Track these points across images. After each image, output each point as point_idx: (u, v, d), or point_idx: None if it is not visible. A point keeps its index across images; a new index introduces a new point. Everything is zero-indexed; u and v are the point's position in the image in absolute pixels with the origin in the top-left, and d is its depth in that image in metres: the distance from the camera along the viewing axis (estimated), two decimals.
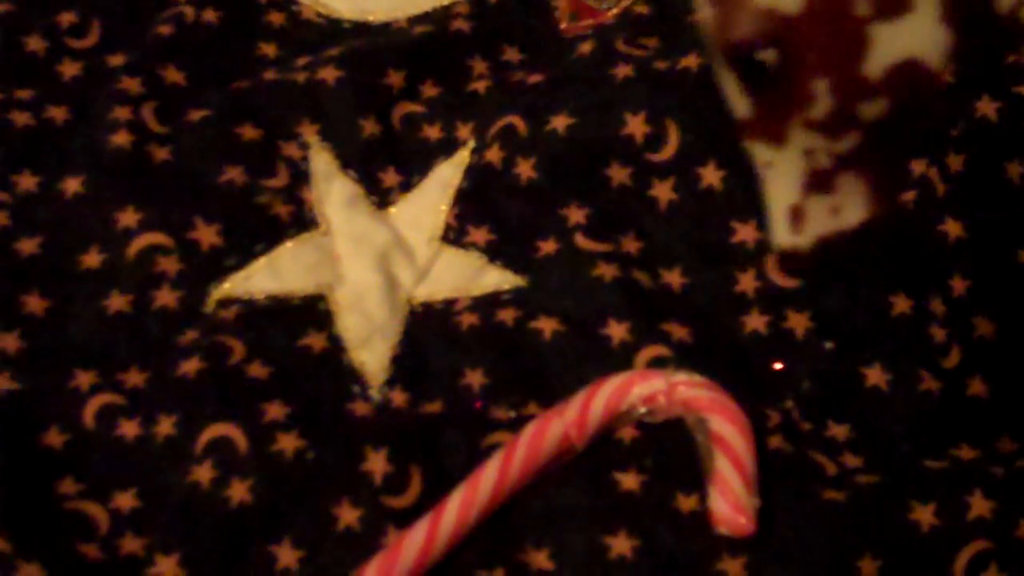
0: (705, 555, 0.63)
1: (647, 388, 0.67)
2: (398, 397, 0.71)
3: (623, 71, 0.78)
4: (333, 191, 0.78)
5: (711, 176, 0.76)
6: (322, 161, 0.79)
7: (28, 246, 0.74)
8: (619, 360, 0.70)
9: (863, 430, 0.69)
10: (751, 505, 0.66)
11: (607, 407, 0.67)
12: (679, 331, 0.72)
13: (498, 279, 0.76)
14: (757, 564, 0.63)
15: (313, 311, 0.74)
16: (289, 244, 0.76)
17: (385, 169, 0.79)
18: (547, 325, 0.72)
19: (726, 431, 0.67)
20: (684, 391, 0.67)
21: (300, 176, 0.77)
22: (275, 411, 0.68)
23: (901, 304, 0.72)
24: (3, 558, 0.62)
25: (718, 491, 0.65)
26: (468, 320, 0.73)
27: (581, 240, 0.75)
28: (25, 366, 0.70)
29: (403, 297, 0.75)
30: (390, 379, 0.72)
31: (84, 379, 0.70)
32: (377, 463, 0.67)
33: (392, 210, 0.79)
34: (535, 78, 0.80)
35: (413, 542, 0.63)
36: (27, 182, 0.76)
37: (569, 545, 0.64)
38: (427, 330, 0.74)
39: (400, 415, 0.70)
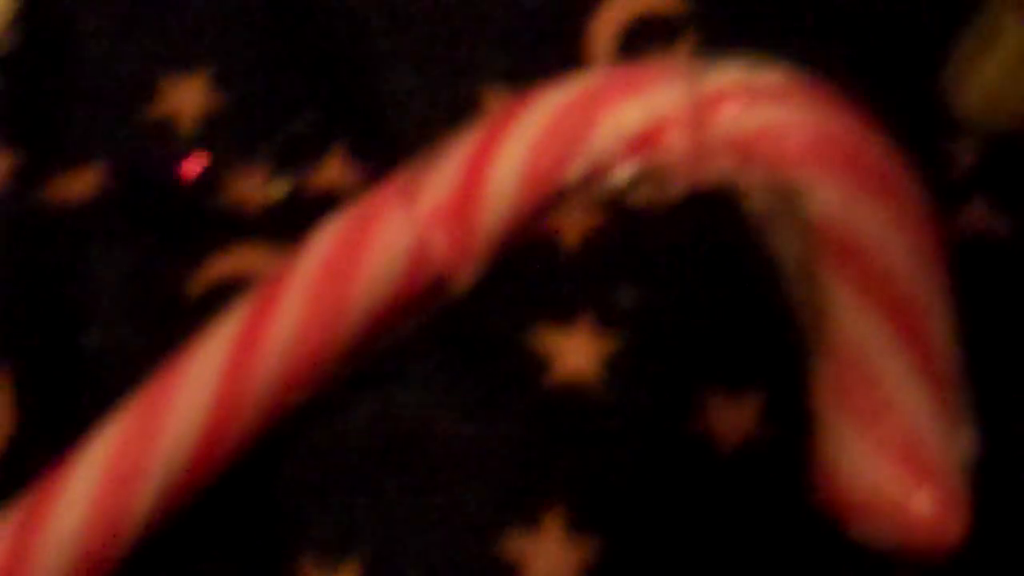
0: None
1: (639, 113, 0.28)
2: None
3: None
4: None
5: None
6: None
7: None
8: (549, 29, 0.32)
9: None
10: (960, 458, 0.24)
11: (531, 172, 0.28)
12: None
13: None
14: None
15: None
16: None
17: None
18: None
19: (863, 224, 0.25)
20: (740, 117, 0.27)
21: None
22: None
23: None
24: None
25: (863, 433, 0.24)
26: None
27: None
28: None
29: None
30: None
31: None
32: None
33: None
34: None
35: None
36: None
37: None
38: None
39: None
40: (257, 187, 0.31)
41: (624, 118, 0.28)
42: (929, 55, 0.30)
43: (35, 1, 0.36)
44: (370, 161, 0.31)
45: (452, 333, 0.29)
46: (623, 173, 0.29)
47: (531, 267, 0.29)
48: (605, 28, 0.30)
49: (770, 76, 0.28)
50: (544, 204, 0.29)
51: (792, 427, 0.26)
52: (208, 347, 0.28)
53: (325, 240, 0.29)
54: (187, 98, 0.32)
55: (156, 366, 0.28)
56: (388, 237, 0.29)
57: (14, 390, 0.30)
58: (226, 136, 0.32)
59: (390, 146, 0.31)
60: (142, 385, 0.27)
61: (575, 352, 0.28)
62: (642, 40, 0.31)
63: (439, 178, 0.29)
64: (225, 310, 0.29)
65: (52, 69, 0.34)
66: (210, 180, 0.31)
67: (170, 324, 0.29)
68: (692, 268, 0.29)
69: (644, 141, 0.28)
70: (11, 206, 0.32)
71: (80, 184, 0.32)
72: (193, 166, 0.31)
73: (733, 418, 0.27)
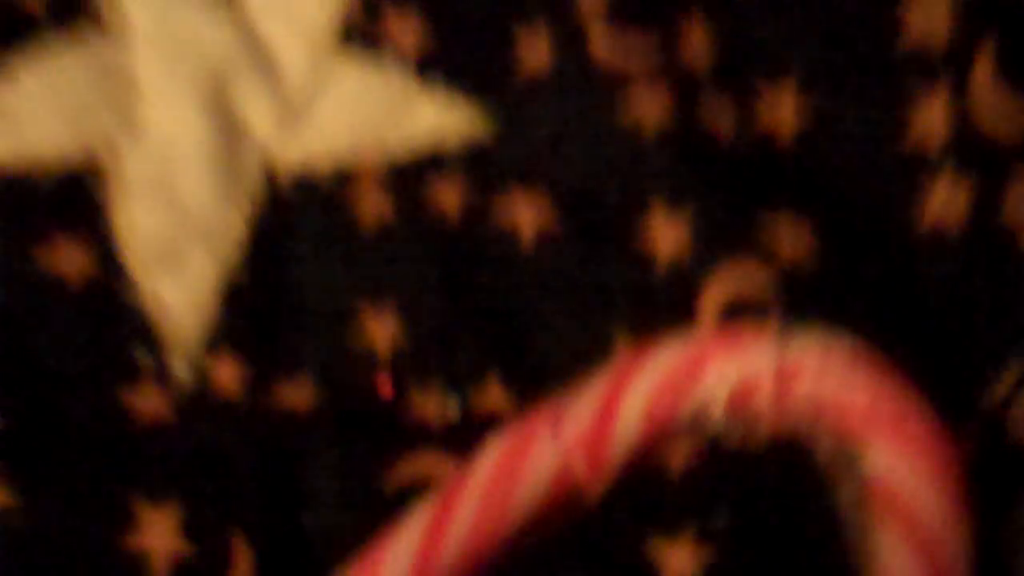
0: None
1: (736, 372, 0.36)
2: (226, 373, 0.41)
3: None
4: None
5: None
6: None
7: None
8: (665, 301, 0.40)
9: None
10: None
11: (651, 413, 0.36)
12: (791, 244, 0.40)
13: (439, 117, 0.43)
14: None
15: (70, 198, 0.43)
16: (48, 59, 0.44)
17: None
18: (527, 216, 0.41)
19: (905, 481, 0.33)
20: (815, 383, 0.35)
21: None
22: None
23: None
24: None
25: None
26: (376, 203, 0.42)
27: (600, 43, 0.42)
28: None
29: (254, 160, 0.43)
30: (216, 336, 0.42)
31: None
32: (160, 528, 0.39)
33: None
34: None
35: None
36: None
37: None
38: (298, 228, 0.43)
39: (226, 414, 0.41)
40: (435, 406, 0.40)
41: (724, 374, 0.37)
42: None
43: (259, 246, 0.44)
44: (522, 390, 0.40)
45: (581, 539, 0.37)
46: (721, 418, 0.37)
47: (645, 488, 0.38)
48: (711, 301, 0.39)
49: (839, 348, 0.36)
50: (660, 439, 0.37)
51: None
52: (402, 536, 0.37)
53: (491, 457, 0.37)
54: (380, 326, 0.41)
55: (361, 547, 0.36)
56: (540, 459, 0.37)
57: (252, 558, 0.39)
58: (410, 361, 0.41)
59: (538, 379, 0.40)
60: (348, 563, 0.36)
61: (678, 559, 0.36)
62: (740, 313, 0.40)
63: (579, 412, 0.37)
64: (413, 506, 0.38)
65: (272, 298, 0.44)
66: (399, 399, 0.40)
67: (372, 512, 0.37)
68: (772, 499, 0.37)
69: (738, 394, 0.37)
70: (246, 409, 0.42)
71: (297, 394, 0.41)
72: (385, 386, 0.40)
73: None
